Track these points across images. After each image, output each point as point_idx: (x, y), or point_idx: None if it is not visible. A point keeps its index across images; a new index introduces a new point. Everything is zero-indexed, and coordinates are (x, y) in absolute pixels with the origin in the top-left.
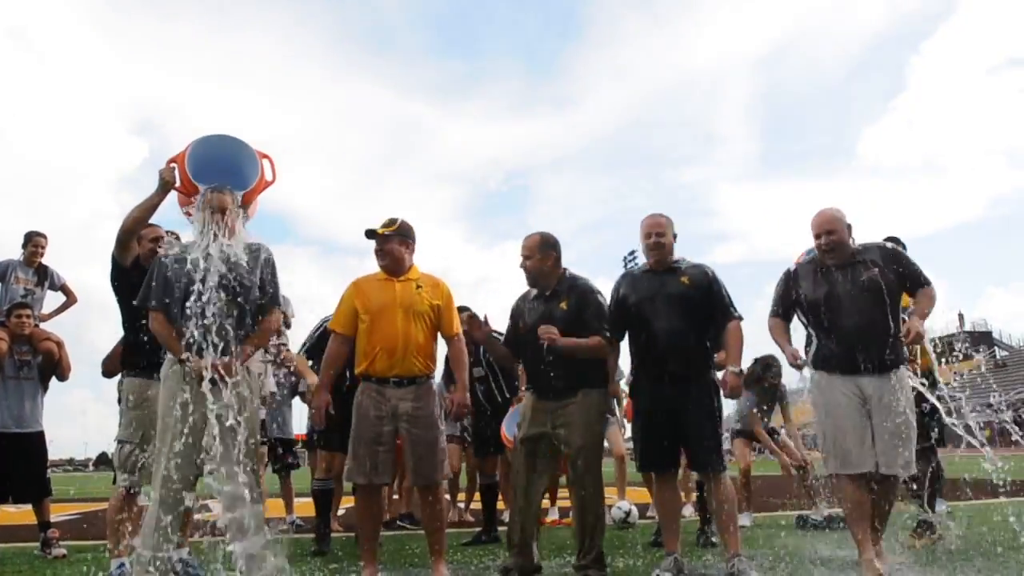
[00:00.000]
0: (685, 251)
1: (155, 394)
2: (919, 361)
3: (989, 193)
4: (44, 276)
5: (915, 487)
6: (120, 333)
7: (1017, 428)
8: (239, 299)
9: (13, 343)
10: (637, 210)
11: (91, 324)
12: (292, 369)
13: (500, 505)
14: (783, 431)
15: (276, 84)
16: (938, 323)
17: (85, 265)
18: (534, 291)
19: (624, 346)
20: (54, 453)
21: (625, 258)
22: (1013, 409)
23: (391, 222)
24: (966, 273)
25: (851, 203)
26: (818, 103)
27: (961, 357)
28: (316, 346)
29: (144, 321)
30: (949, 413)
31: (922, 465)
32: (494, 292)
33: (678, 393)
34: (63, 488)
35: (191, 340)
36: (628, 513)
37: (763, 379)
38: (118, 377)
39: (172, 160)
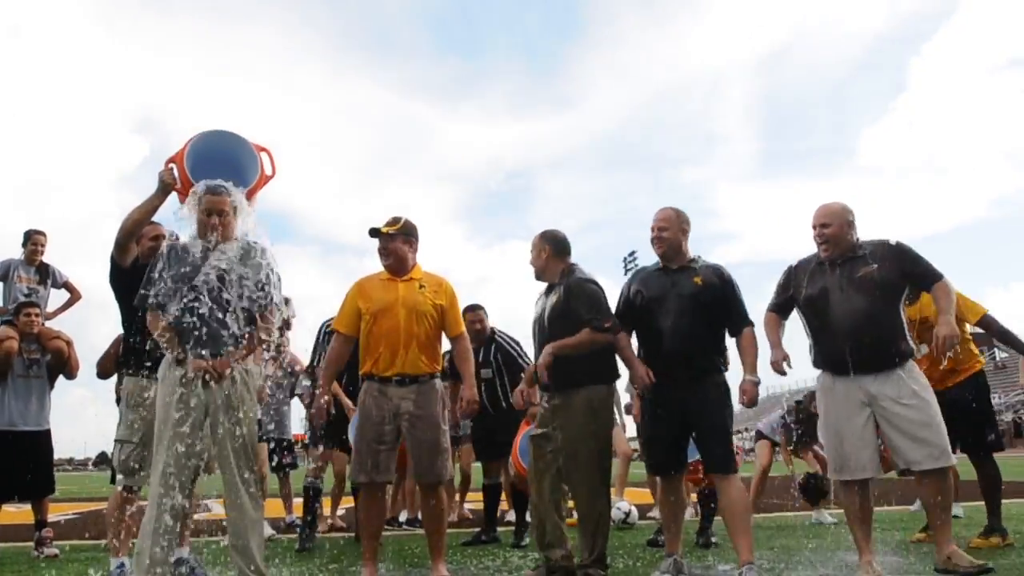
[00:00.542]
0: None
1: (154, 394)
2: (968, 364)
3: (989, 194)
4: (46, 274)
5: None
6: (118, 333)
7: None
8: (236, 299)
9: (22, 342)
10: (637, 210)
11: (91, 323)
12: (291, 370)
13: (503, 506)
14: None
15: (276, 83)
16: None
17: (85, 264)
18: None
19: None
20: (54, 452)
21: (625, 258)
22: (1013, 411)
23: (395, 221)
24: (966, 273)
25: (851, 203)
26: (819, 103)
27: None
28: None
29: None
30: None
31: (988, 470)
32: (494, 292)
33: (686, 394)
34: (64, 488)
35: (188, 340)
36: (628, 514)
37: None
38: (116, 377)
39: (171, 160)
